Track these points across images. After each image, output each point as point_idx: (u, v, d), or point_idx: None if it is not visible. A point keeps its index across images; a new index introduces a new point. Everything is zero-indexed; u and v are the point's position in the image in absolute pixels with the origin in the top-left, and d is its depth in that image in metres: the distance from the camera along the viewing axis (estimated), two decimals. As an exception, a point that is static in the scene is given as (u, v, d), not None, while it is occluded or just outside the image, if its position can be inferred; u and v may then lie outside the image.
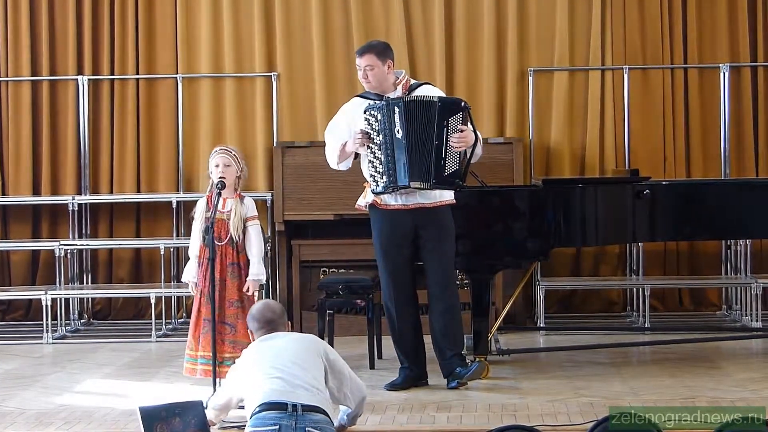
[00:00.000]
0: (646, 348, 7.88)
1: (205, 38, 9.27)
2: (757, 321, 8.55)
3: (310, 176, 8.65)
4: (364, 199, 6.60)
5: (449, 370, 6.55)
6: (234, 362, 6.22)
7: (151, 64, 9.36)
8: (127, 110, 9.33)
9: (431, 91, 6.62)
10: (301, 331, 8.44)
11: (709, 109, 9.25)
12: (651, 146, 9.21)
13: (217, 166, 6.34)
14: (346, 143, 6.54)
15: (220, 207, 6.31)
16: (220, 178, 6.29)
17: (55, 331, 8.62)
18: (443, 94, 6.74)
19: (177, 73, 9.28)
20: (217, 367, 6.22)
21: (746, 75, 9.24)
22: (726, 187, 7.81)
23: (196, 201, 6.49)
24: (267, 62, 9.26)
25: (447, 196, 6.56)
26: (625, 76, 9.15)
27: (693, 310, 9.18)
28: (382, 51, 6.56)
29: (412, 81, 6.70)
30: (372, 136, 6.44)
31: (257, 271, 6.35)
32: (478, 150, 6.52)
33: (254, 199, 6.57)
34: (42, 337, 8.52)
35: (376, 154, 6.44)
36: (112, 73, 9.33)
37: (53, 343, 8.47)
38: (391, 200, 6.52)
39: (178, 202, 9.05)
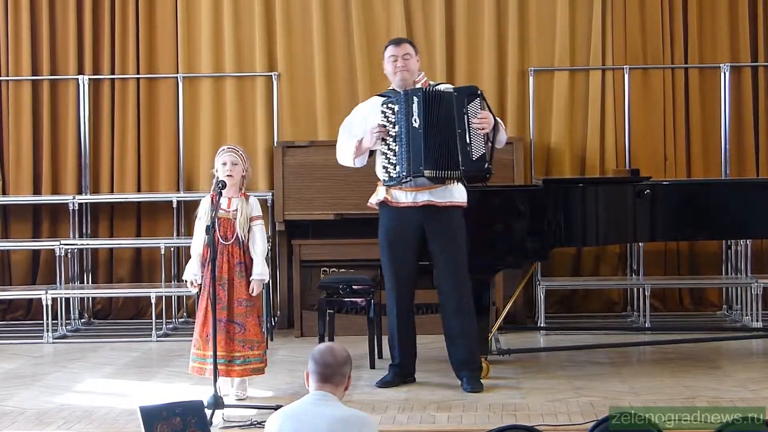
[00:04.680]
0: (646, 348, 7.87)
1: (206, 38, 9.26)
2: (757, 321, 8.55)
3: (310, 176, 8.64)
4: (376, 197, 6.60)
5: (459, 376, 6.58)
6: (245, 360, 6.25)
7: (151, 63, 9.36)
8: (128, 110, 9.33)
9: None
10: (302, 332, 8.49)
11: (710, 109, 9.24)
12: (651, 146, 9.20)
13: (224, 164, 6.34)
14: (362, 140, 6.55)
15: (225, 206, 6.32)
16: (226, 176, 6.29)
17: (56, 330, 8.62)
18: None
19: (177, 73, 9.28)
20: (227, 365, 6.27)
21: (747, 75, 9.24)
22: (726, 187, 7.80)
23: (197, 201, 6.49)
24: (267, 62, 9.26)
25: (458, 197, 6.54)
26: (626, 76, 9.15)
27: (693, 310, 9.17)
28: (414, 45, 6.72)
29: (431, 82, 6.72)
30: (388, 128, 6.48)
31: (261, 271, 6.36)
32: (501, 136, 6.54)
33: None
34: (42, 336, 8.51)
35: (390, 146, 6.47)
36: (113, 73, 9.33)
37: (54, 343, 8.47)
38: (402, 197, 6.51)
39: (178, 201, 9.05)
